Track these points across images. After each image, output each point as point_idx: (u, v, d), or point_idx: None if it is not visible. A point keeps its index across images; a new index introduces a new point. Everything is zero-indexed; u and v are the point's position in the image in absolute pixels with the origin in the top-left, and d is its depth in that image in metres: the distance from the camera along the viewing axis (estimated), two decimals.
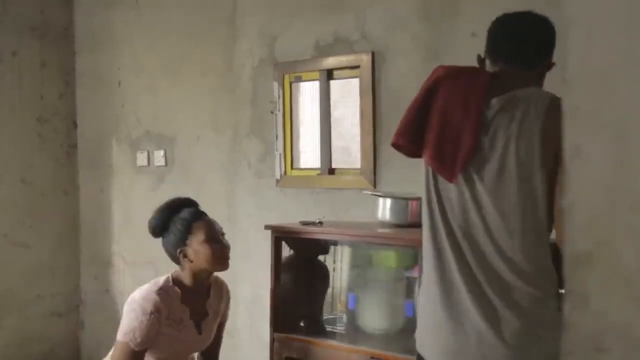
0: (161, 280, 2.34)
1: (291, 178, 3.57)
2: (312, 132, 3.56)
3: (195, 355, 2.54)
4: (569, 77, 0.78)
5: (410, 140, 1.83)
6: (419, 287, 1.93)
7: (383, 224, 2.92)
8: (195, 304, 2.37)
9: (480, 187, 1.75)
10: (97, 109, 4.50)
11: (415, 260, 2.74)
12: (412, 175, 3.06)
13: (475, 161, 1.75)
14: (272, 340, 3.06)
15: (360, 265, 2.96)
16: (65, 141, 4.59)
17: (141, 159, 4.24)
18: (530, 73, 1.80)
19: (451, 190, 1.79)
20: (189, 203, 2.42)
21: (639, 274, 0.70)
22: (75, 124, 4.63)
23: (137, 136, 4.28)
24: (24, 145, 4.38)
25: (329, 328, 3.07)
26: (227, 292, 2.55)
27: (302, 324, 3.12)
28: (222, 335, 2.58)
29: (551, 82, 2.50)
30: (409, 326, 2.83)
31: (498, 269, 1.72)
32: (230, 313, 3.82)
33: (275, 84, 3.58)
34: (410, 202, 2.84)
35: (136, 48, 4.26)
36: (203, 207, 3.90)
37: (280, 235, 3.08)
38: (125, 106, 4.33)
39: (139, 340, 2.21)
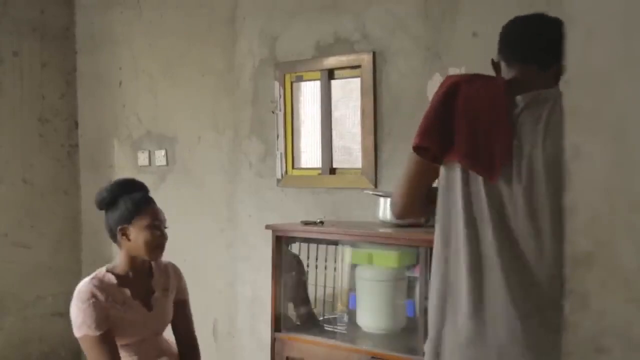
0: (94, 273, 2.39)
1: (292, 178, 3.57)
2: (313, 132, 3.56)
3: (167, 342, 2.54)
4: (568, 77, 0.78)
5: (437, 141, 1.76)
6: (430, 290, 1.86)
7: (384, 224, 2.92)
8: (135, 285, 2.39)
9: (513, 188, 1.71)
10: (98, 109, 4.50)
11: (416, 260, 2.74)
12: None
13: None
14: (273, 340, 3.07)
15: (361, 265, 2.96)
16: (66, 141, 4.59)
17: (142, 158, 4.25)
18: (547, 74, 1.79)
19: (483, 191, 1.73)
20: (141, 187, 2.46)
21: (639, 275, 0.70)
22: (76, 124, 4.63)
23: (138, 136, 4.28)
24: (25, 145, 4.38)
25: (329, 328, 3.07)
26: (175, 269, 2.56)
27: (297, 323, 3.13)
28: (189, 314, 2.57)
29: None
30: (410, 326, 2.83)
31: (534, 275, 1.68)
32: (231, 313, 3.84)
33: (276, 84, 3.58)
34: None
35: (137, 48, 4.26)
36: (204, 206, 3.92)
37: (281, 235, 3.08)
38: (126, 106, 4.34)
39: (93, 325, 2.24)
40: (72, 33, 4.60)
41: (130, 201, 2.36)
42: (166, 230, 2.44)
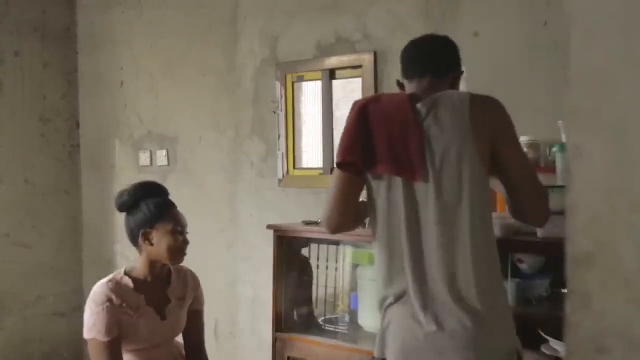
0: (112, 274, 2.37)
1: (293, 178, 3.57)
2: (314, 131, 3.56)
3: (178, 348, 2.53)
4: (569, 77, 0.78)
5: (359, 155, 1.94)
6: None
7: None
8: (151, 291, 2.36)
9: (427, 185, 1.89)
10: (99, 109, 4.51)
11: None
12: None
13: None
14: (274, 340, 3.07)
15: (363, 264, 2.96)
16: (68, 141, 4.59)
17: (143, 158, 4.25)
18: (442, 81, 2.01)
19: (399, 194, 1.92)
20: (162, 190, 2.43)
21: (639, 275, 0.70)
22: (77, 124, 4.63)
23: (139, 136, 4.28)
24: (26, 145, 4.38)
25: (330, 327, 3.07)
26: (194, 278, 2.53)
27: (296, 319, 3.14)
28: (201, 324, 2.54)
29: (552, 82, 2.51)
30: None
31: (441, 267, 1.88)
32: (232, 313, 3.84)
33: (277, 84, 3.58)
34: None
35: (138, 48, 4.26)
36: (205, 206, 3.92)
37: (282, 235, 3.09)
38: (128, 106, 4.34)
39: (103, 330, 2.23)
40: (73, 33, 4.60)
41: (153, 205, 2.32)
42: (187, 236, 2.41)
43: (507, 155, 1.88)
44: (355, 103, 2.03)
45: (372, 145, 1.94)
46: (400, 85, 2.12)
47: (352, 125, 1.98)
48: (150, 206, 2.32)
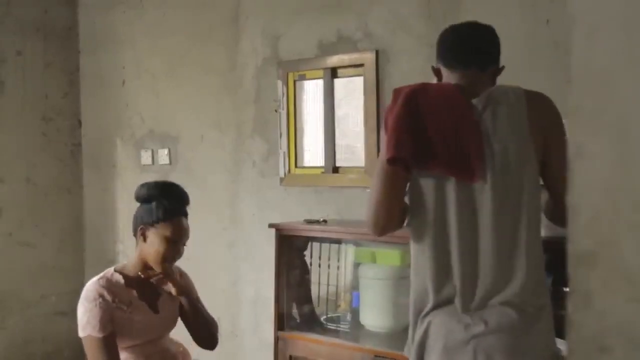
0: (102, 273, 2.38)
1: (295, 176, 3.57)
2: (315, 130, 3.56)
3: (173, 343, 2.53)
4: (571, 76, 0.78)
5: (411, 152, 1.81)
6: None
7: None
8: (142, 286, 2.38)
9: (484, 187, 1.80)
10: (101, 108, 4.51)
11: None
12: None
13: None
14: (276, 339, 3.07)
15: (364, 263, 2.96)
16: (70, 140, 4.60)
17: (145, 157, 4.25)
18: (486, 75, 1.92)
19: (452, 194, 1.82)
20: (181, 195, 2.41)
21: None
22: (79, 123, 4.64)
23: (141, 135, 4.28)
24: (29, 144, 4.39)
25: (332, 326, 3.07)
26: (182, 273, 2.53)
27: (298, 318, 3.14)
28: (200, 308, 2.51)
29: (553, 82, 2.50)
30: None
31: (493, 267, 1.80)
32: (234, 313, 3.84)
33: (279, 83, 3.58)
34: None
35: (140, 48, 4.26)
36: (206, 206, 3.92)
37: (284, 234, 3.09)
38: (129, 105, 4.34)
39: (97, 327, 2.24)
40: (75, 33, 4.61)
41: (162, 206, 2.33)
42: (184, 247, 2.40)
43: (557, 157, 1.80)
44: (399, 91, 1.88)
45: (425, 140, 1.80)
46: (437, 72, 1.99)
47: (402, 117, 1.82)
48: (159, 206, 2.33)
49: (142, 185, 2.42)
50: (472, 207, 1.80)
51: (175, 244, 2.34)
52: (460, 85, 1.87)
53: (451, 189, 1.81)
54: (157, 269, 2.36)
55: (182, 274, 2.55)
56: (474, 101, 1.82)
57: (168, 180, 2.55)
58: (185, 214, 2.39)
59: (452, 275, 1.82)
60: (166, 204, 2.34)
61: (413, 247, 1.91)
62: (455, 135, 1.79)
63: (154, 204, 2.34)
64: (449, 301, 1.83)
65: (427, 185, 1.84)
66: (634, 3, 0.72)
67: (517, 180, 1.78)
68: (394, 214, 1.90)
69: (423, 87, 1.88)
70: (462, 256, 1.80)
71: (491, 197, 1.78)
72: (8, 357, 4.26)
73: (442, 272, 1.83)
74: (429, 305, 1.85)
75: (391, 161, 1.83)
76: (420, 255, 1.88)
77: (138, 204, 2.40)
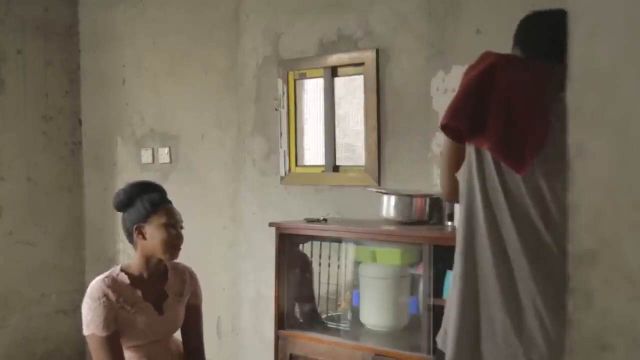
0: (108, 271, 2.39)
1: (295, 175, 3.57)
2: (316, 129, 3.56)
3: (176, 344, 2.53)
4: (572, 74, 0.78)
5: (466, 124, 1.71)
6: (454, 284, 1.79)
7: (387, 221, 2.92)
8: (148, 287, 2.38)
9: (544, 182, 1.66)
10: (102, 107, 4.51)
11: (419, 257, 2.74)
12: (416, 172, 3.07)
13: (542, 153, 1.66)
14: (277, 338, 3.07)
15: (365, 262, 2.96)
16: (70, 139, 4.60)
17: (145, 156, 4.25)
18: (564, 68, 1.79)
19: (513, 182, 1.68)
20: (157, 188, 2.45)
21: None
22: (79, 122, 4.64)
23: (142, 134, 4.28)
24: (29, 143, 4.39)
25: (333, 325, 3.07)
26: (191, 274, 2.53)
27: (299, 319, 3.14)
28: (199, 319, 2.54)
29: None
30: (413, 323, 2.83)
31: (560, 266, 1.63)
32: (234, 311, 3.84)
33: (280, 82, 3.58)
34: (414, 199, 2.85)
35: (140, 46, 4.27)
36: (207, 204, 3.92)
37: (284, 232, 3.09)
38: (130, 104, 4.34)
39: (101, 325, 2.24)
40: (75, 31, 4.61)
41: (147, 200, 2.36)
42: (182, 232, 2.42)
43: None
44: (484, 57, 1.74)
45: (485, 117, 1.68)
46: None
47: (471, 87, 1.71)
48: (145, 201, 2.36)
49: (117, 194, 2.44)
50: (523, 202, 1.67)
51: (174, 227, 2.36)
52: (550, 75, 1.68)
53: (515, 177, 1.68)
54: (166, 258, 2.37)
55: (192, 275, 2.55)
56: (562, 94, 1.72)
57: (145, 180, 2.57)
58: (170, 202, 2.42)
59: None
60: (151, 196, 2.37)
61: (460, 228, 1.80)
62: (521, 124, 1.67)
63: (137, 202, 2.36)
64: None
65: (482, 162, 1.71)
66: (635, 2, 0.71)
67: (561, 183, 1.62)
68: (454, 183, 1.83)
69: (507, 61, 1.74)
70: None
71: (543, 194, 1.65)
72: (9, 356, 4.27)
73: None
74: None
75: (443, 128, 1.77)
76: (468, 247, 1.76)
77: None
